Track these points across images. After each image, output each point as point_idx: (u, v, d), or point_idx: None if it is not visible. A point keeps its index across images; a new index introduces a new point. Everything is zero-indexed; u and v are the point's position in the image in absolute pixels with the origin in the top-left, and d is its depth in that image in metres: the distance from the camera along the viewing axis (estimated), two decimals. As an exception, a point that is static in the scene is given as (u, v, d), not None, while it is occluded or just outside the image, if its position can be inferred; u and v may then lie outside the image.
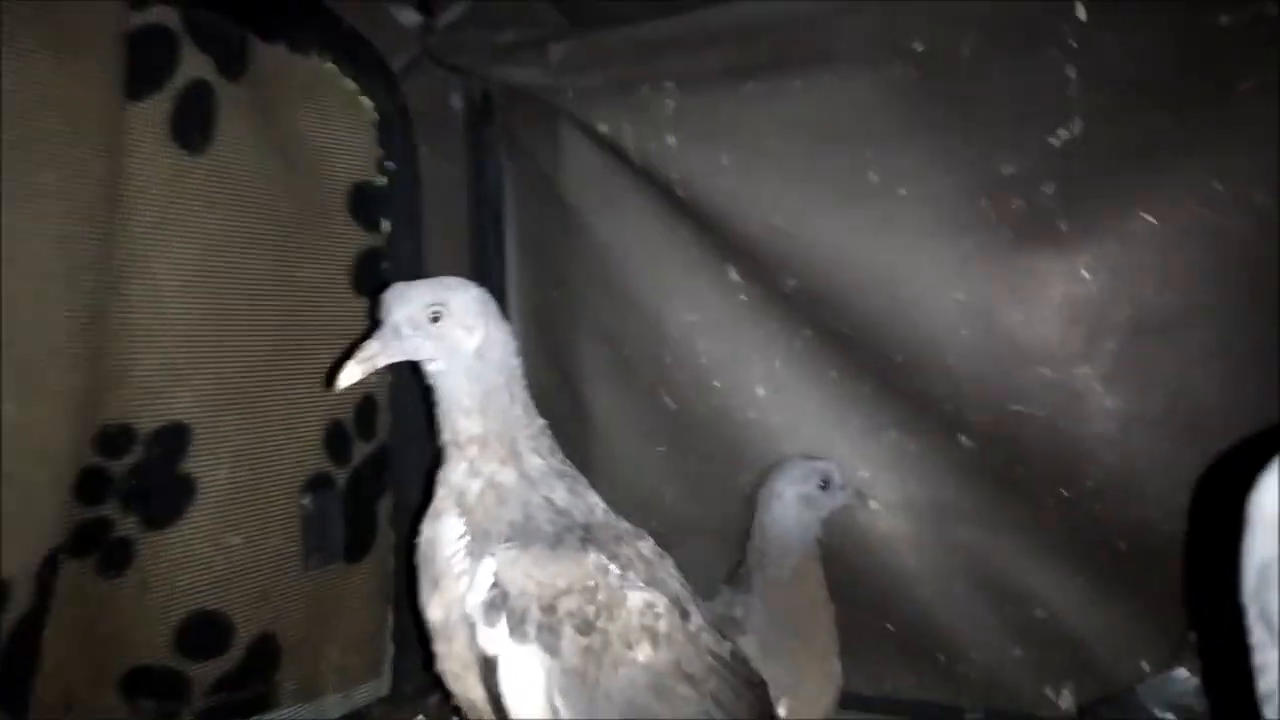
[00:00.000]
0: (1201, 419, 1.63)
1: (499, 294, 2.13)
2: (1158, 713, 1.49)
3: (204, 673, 1.63)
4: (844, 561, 1.83)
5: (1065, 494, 1.72)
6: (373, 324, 1.30)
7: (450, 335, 1.28)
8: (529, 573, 1.20)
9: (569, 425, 2.06)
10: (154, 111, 1.51)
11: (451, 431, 1.30)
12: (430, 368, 1.31)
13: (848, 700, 1.76)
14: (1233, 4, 1.52)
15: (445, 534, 1.27)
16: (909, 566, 1.87)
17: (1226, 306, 1.61)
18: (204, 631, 1.62)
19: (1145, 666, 1.68)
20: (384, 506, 1.95)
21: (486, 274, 2.13)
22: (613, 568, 1.25)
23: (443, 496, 1.30)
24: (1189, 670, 1.47)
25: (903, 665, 1.90)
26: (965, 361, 1.75)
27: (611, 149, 1.96)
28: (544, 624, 1.19)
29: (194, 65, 1.56)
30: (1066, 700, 1.77)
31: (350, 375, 1.26)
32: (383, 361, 1.28)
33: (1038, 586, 1.78)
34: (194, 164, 1.56)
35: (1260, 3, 1.50)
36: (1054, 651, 1.78)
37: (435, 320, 1.28)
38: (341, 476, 1.85)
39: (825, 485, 1.74)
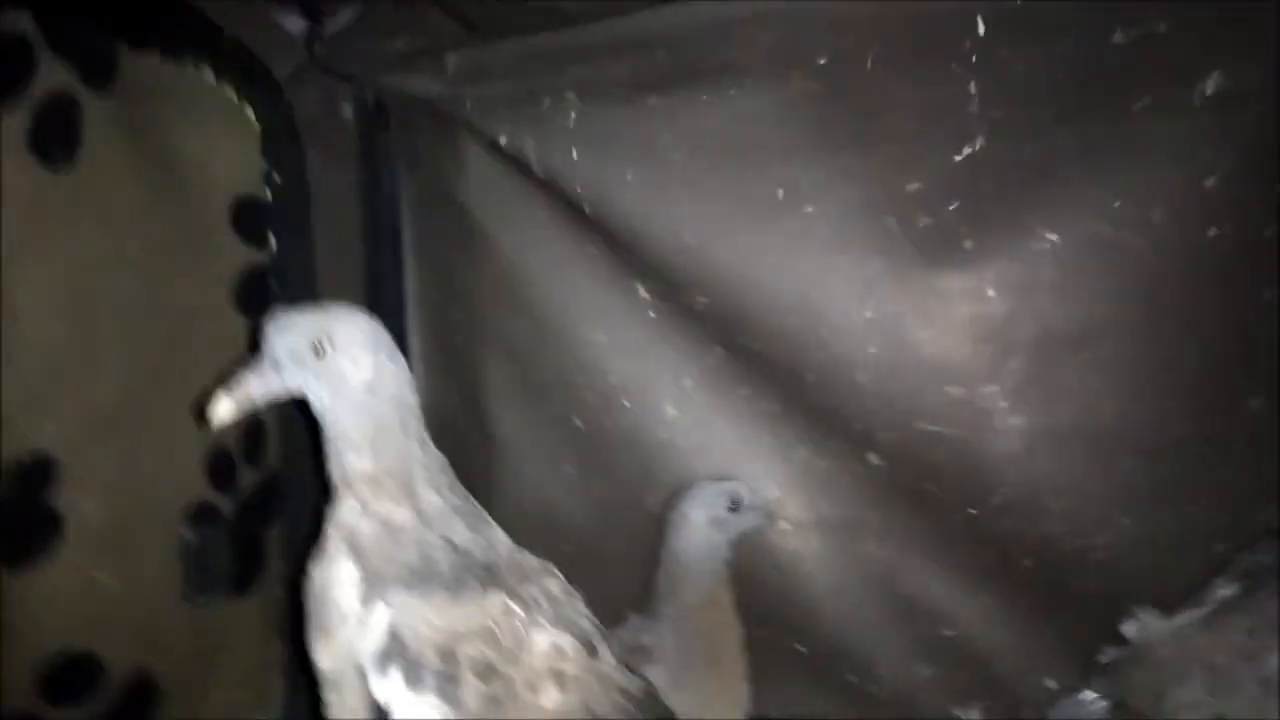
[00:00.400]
0: (1105, 434, 1.65)
1: (397, 313, 2.05)
2: None
3: (71, 718, 1.50)
4: (753, 582, 1.80)
5: (973, 511, 1.72)
6: (252, 353, 1.21)
7: (335, 370, 1.19)
8: (426, 618, 1.13)
9: (473, 448, 2.00)
10: (9, 125, 1.38)
11: (341, 469, 1.22)
12: (315, 403, 1.22)
13: (760, 724, 1.73)
14: (1126, 22, 1.53)
15: (336, 578, 1.19)
16: (819, 586, 1.85)
17: (1127, 322, 1.63)
18: (70, 673, 1.50)
19: (1051, 685, 1.70)
20: (274, 536, 1.85)
21: (383, 292, 2.04)
22: (517, 609, 1.18)
23: (333, 538, 1.21)
24: (1097, 692, 1.47)
25: (813, 687, 1.88)
26: (874, 380, 1.74)
27: (514, 162, 1.88)
28: (442, 672, 1.12)
29: (54, 75, 1.43)
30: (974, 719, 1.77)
31: (223, 412, 1.17)
32: (259, 397, 1.20)
33: (946, 605, 1.78)
34: (57, 181, 1.44)
35: (1151, 21, 1.52)
36: (962, 670, 1.78)
37: (319, 353, 1.19)
38: (227, 505, 1.74)
39: (734, 507, 1.70)
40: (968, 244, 1.67)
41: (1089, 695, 1.48)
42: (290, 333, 1.19)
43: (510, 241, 1.96)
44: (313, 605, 1.21)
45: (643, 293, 1.88)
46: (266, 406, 1.70)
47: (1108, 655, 1.50)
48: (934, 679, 1.80)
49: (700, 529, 1.69)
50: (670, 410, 1.90)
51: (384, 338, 1.25)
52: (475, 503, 1.29)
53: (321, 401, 1.21)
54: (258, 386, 1.19)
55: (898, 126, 1.68)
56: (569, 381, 1.95)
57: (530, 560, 1.30)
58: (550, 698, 1.17)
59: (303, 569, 1.26)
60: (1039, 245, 1.64)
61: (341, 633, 1.17)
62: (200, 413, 1.19)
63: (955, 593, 1.78)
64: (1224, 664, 1.33)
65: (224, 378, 1.18)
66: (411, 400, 1.25)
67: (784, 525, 1.79)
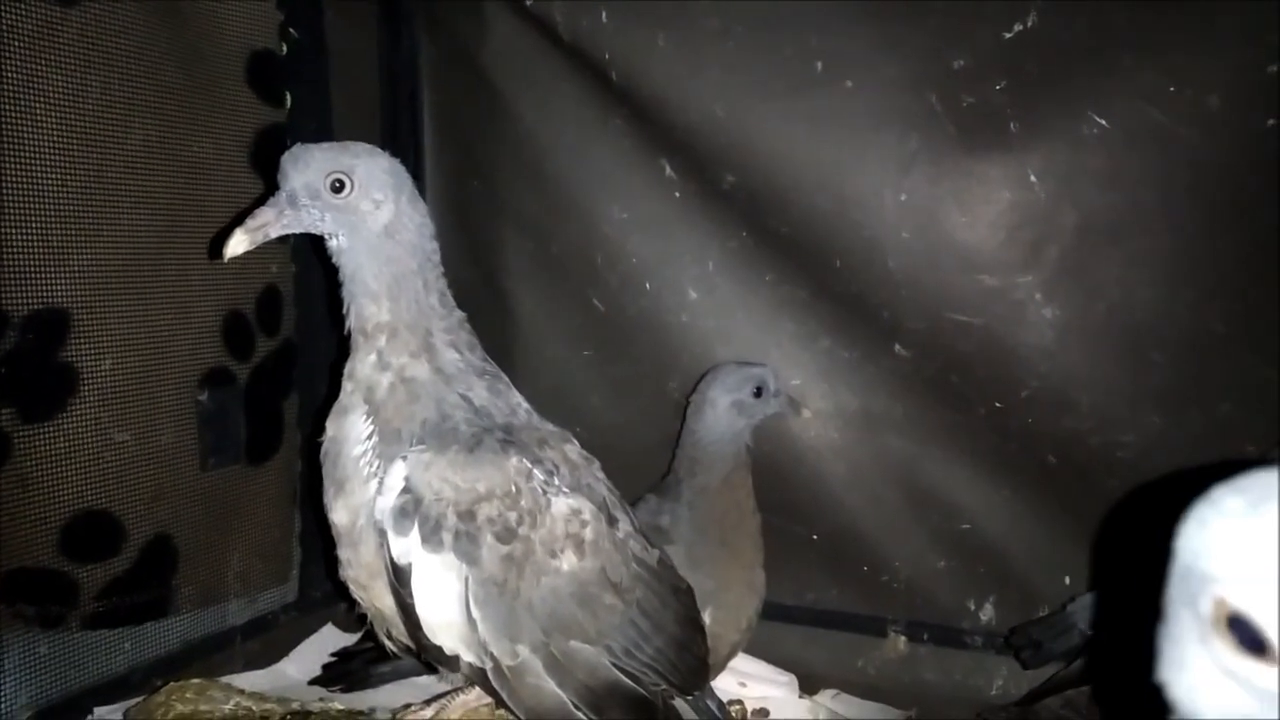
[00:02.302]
0: (1140, 329, 1.61)
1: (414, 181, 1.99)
2: (1089, 631, 1.48)
3: (92, 576, 1.52)
4: (772, 470, 1.79)
5: (998, 405, 1.70)
6: (269, 190, 1.15)
7: (355, 209, 1.14)
8: (445, 476, 1.11)
9: (490, 326, 1.92)
10: (17, -46, 1.32)
11: (358, 318, 1.18)
12: (332, 244, 1.18)
13: (770, 610, 1.73)
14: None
15: (352, 432, 1.17)
16: (837, 476, 1.83)
17: (1172, 214, 1.58)
18: (91, 532, 1.51)
19: (1068, 581, 1.68)
20: (290, 406, 1.83)
21: (400, 160, 1.96)
22: (536, 472, 1.16)
23: (349, 391, 1.19)
24: (1120, 585, 1.46)
25: (826, 576, 1.87)
26: (905, 266, 1.69)
27: (539, 24, 1.81)
28: (462, 531, 1.10)
29: (62, -95, 1.36)
30: (988, 613, 1.77)
31: (237, 245, 1.12)
32: (275, 232, 1.14)
33: (965, 498, 1.76)
34: (65, 16, 1.38)
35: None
36: (977, 564, 1.77)
37: (338, 190, 1.13)
38: (243, 372, 1.72)
39: (759, 392, 1.67)
40: (1012, 126, 1.60)
41: (1111, 589, 1.46)
42: (309, 167, 1.13)
43: (532, 110, 1.89)
44: (328, 460, 1.20)
45: (668, 169, 1.82)
46: (282, 269, 1.72)
47: (1132, 549, 1.48)
48: (948, 572, 1.79)
49: (723, 412, 1.66)
50: (692, 293, 1.86)
51: (406, 180, 1.20)
52: (495, 365, 1.26)
53: (338, 243, 1.17)
54: (273, 221, 1.13)
55: (946, -1, 1.60)
56: (589, 260, 1.90)
57: (548, 426, 1.27)
58: (568, 561, 1.16)
59: (315, 439, 1.24)
60: (1087, 130, 1.57)
61: (357, 489, 1.15)
62: (212, 247, 1.15)
63: (975, 487, 1.75)
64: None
65: (231, 221, 1.13)
66: (432, 250, 1.21)
67: (807, 414, 1.76)
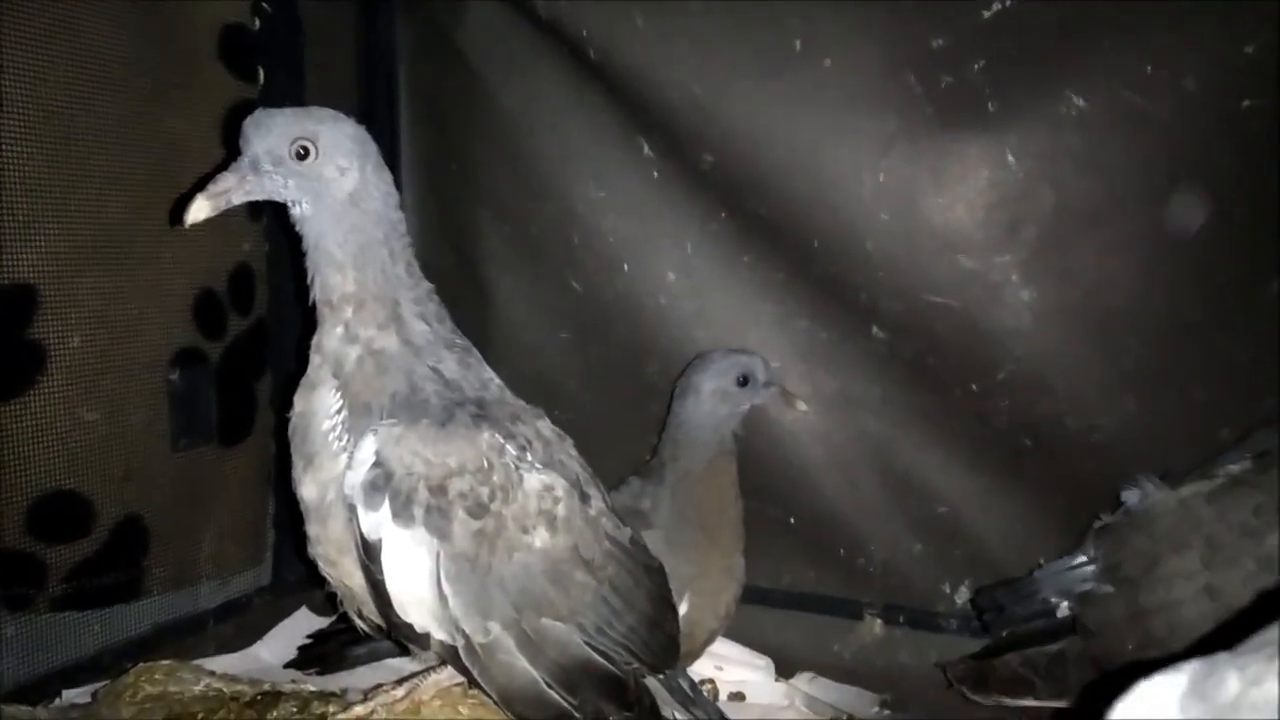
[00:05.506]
0: (1116, 313, 1.61)
1: (390, 164, 1.96)
2: (1053, 599, 1.49)
3: (61, 556, 1.50)
4: (749, 453, 1.77)
5: (974, 387, 1.69)
6: (230, 155, 1.13)
7: (319, 176, 1.12)
8: (416, 450, 1.09)
9: (467, 308, 1.94)
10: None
11: (323, 290, 1.16)
12: (295, 212, 1.15)
13: (747, 594, 1.73)
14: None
15: (320, 406, 1.15)
16: (814, 459, 1.83)
17: (1149, 197, 1.57)
18: (60, 512, 1.49)
19: (1043, 563, 1.68)
20: (263, 387, 1.81)
21: (375, 141, 1.94)
22: (509, 447, 1.15)
23: (317, 365, 1.17)
24: (1087, 555, 1.46)
25: (804, 559, 1.87)
26: (883, 248, 1.69)
27: (517, 2, 1.79)
28: (433, 506, 1.09)
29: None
30: (963, 596, 1.77)
31: (199, 210, 1.09)
32: (238, 199, 1.12)
33: (941, 482, 1.76)
34: None
35: None
36: (953, 547, 1.77)
37: (302, 157, 1.11)
38: (215, 352, 1.70)
39: (744, 381, 1.66)
40: (990, 106, 1.60)
41: (1079, 558, 1.47)
42: (271, 132, 1.11)
43: (509, 90, 1.87)
44: (296, 435, 1.18)
45: (646, 149, 1.80)
46: (255, 247, 1.69)
47: (1104, 519, 1.48)
48: (924, 555, 1.79)
49: (705, 398, 1.65)
50: (670, 275, 1.85)
51: (371, 147, 1.18)
52: (465, 339, 1.24)
53: (301, 211, 1.15)
54: (235, 187, 1.11)
55: (925, -22, 1.59)
56: (566, 241, 1.89)
57: (520, 402, 1.26)
58: (540, 538, 1.15)
59: (283, 414, 1.22)
60: (1065, 111, 1.57)
61: (327, 463, 1.14)
62: (173, 213, 1.12)
63: (951, 470, 1.75)
64: (1225, 538, 1.31)
65: (192, 187, 1.11)
66: (398, 219, 1.19)
67: (802, 408, 1.73)
